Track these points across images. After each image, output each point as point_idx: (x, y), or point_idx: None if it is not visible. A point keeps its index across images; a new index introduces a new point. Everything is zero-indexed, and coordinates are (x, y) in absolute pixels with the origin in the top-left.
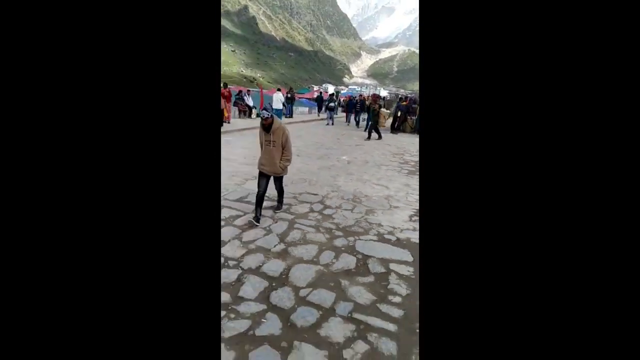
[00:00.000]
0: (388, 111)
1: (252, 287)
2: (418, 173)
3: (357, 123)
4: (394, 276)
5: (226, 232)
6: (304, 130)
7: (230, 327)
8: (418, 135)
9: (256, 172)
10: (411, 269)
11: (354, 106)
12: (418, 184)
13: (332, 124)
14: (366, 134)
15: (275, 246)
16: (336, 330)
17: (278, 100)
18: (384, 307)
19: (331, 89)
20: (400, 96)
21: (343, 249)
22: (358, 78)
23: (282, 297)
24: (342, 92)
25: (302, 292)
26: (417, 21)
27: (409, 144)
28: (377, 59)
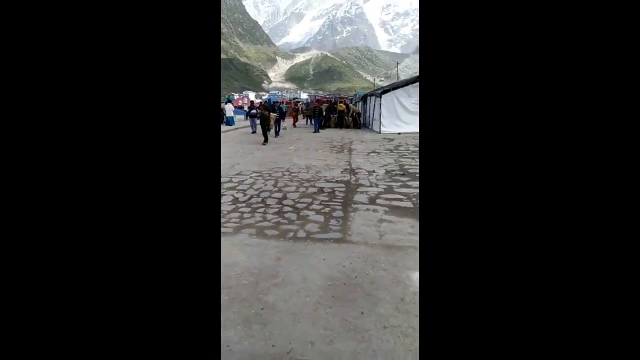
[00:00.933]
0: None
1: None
2: (347, 152)
3: (277, 132)
4: (338, 193)
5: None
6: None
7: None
8: (340, 129)
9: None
10: (343, 188)
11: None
12: (345, 156)
13: (255, 131)
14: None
15: (272, 188)
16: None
17: (230, 110)
18: (331, 203)
19: (252, 95)
20: (316, 98)
21: (308, 186)
22: (277, 83)
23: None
24: (263, 97)
25: (293, 200)
26: (325, 26)
27: (334, 135)
28: (293, 64)
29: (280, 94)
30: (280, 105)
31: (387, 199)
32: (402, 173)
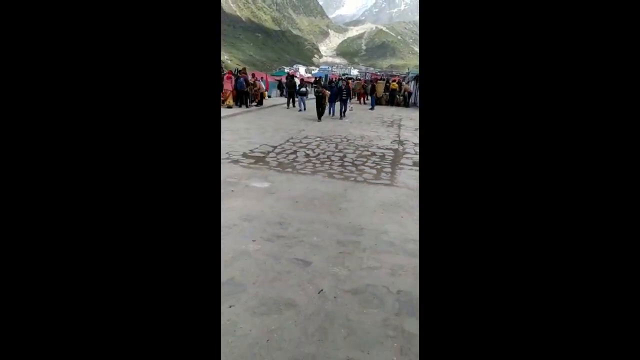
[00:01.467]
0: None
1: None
2: (397, 127)
3: (342, 113)
4: (387, 157)
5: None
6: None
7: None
8: (391, 106)
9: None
10: (392, 154)
11: (337, 94)
12: (395, 129)
13: (304, 109)
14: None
15: (334, 149)
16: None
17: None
18: (382, 163)
19: (302, 69)
20: (372, 76)
21: (363, 150)
22: (328, 57)
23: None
24: (313, 72)
25: (352, 159)
26: None
27: (386, 112)
28: (345, 38)
29: (330, 69)
30: (339, 83)
31: None
32: None
